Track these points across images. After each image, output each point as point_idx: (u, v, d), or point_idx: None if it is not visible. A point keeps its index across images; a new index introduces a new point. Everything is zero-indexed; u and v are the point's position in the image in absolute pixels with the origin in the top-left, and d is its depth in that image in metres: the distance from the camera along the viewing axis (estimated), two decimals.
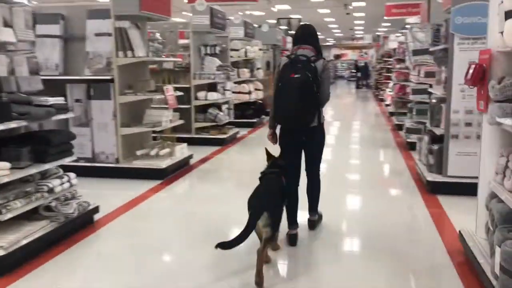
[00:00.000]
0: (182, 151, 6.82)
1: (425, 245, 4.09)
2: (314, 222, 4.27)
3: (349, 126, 12.15)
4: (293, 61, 3.72)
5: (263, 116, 11.93)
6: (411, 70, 9.76)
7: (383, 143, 9.10)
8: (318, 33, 4.08)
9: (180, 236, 4.34)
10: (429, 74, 7.78)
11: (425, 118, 7.88)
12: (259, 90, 11.64)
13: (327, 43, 48.22)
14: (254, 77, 11.41)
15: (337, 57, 49.10)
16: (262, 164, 3.99)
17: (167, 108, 6.45)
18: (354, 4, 21.84)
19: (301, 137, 3.86)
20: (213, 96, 8.70)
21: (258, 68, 11.58)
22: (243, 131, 10.18)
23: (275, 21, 22.67)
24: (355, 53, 50.64)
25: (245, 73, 10.91)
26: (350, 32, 37.98)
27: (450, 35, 5.15)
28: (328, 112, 15.08)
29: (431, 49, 6.28)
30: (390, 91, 15.46)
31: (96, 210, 4.49)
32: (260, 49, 11.60)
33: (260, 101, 11.70)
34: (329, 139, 9.92)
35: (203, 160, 7.47)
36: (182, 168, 6.78)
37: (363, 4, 22.03)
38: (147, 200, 5.34)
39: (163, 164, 6.19)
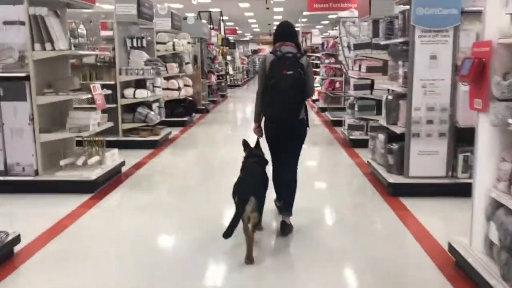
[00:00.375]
0: (113, 158, 5.95)
1: (408, 256, 3.69)
2: (287, 226, 4.08)
3: None
4: (281, 58, 3.81)
5: (194, 114, 11.20)
6: (346, 65, 9.56)
7: (324, 140, 8.78)
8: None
9: (121, 267, 3.57)
10: (372, 69, 7.53)
11: (369, 115, 7.67)
12: (188, 86, 10.87)
13: (245, 38, 47.99)
14: (183, 72, 10.62)
15: (255, 52, 49.07)
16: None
17: (95, 109, 5.57)
18: None
19: (289, 129, 3.98)
20: (142, 94, 7.84)
21: (187, 63, 10.80)
22: (174, 131, 9.40)
23: (194, 15, 21.81)
24: (272, 48, 51.03)
25: (173, 68, 10.10)
26: (268, 28, 37.98)
27: (411, 27, 4.81)
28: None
29: (382, 42, 5.95)
30: (317, 86, 15.36)
31: (16, 240, 3.59)
32: (188, 43, 10.82)
33: (190, 98, 10.94)
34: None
35: (137, 166, 6.63)
36: (114, 177, 5.92)
37: None
38: (78, 220, 4.46)
39: (93, 174, 5.31)
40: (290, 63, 3.76)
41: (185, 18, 12.77)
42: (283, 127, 3.96)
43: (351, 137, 7.80)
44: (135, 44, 8.06)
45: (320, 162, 7.32)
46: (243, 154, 4.17)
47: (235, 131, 10.58)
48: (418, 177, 5.01)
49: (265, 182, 3.93)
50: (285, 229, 4.03)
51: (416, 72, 4.85)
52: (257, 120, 4.15)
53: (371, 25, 7.65)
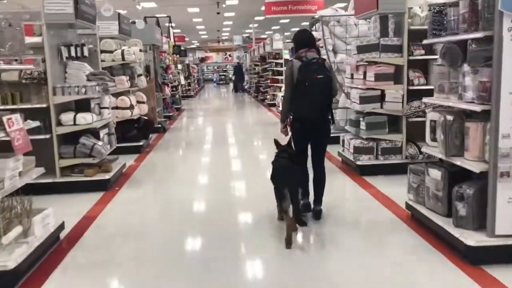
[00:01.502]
0: (45, 222, 3.93)
1: None
2: (321, 212, 4.51)
3: (263, 144, 10.04)
4: (308, 63, 4.11)
5: (151, 136, 9.19)
6: (345, 70, 7.94)
7: None
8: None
9: None
10: (381, 77, 5.92)
11: (380, 134, 6.07)
12: (142, 103, 8.86)
13: (192, 46, 45.89)
14: (135, 86, 8.63)
15: (202, 60, 47.07)
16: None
17: (14, 154, 3.57)
18: (228, 2, 19.84)
19: (317, 128, 4.29)
20: (85, 119, 5.79)
21: (139, 75, 8.80)
22: (129, 160, 7.39)
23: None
24: (220, 55, 49.24)
25: (123, 82, 8.09)
26: (217, 34, 36.15)
27: (497, 15, 3.17)
28: (226, 127, 12.89)
29: (428, 41, 4.28)
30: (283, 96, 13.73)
31: None
32: (140, 50, 8.83)
33: (145, 117, 8.94)
34: (255, 163, 7.68)
35: (81, 228, 4.53)
36: (47, 253, 3.91)
37: (235, 2, 20.18)
38: None
39: (11, 261, 3.29)
40: (318, 68, 4.08)
41: (134, 22, 10.74)
42: (312, 126, 4.23)
43: (358, 162, 6.13)
44: (73, 54, 6.03)
45: (328, 198, 5.55)
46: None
47: (202, 155, 8.71)
48: (508, 235, 3.38)
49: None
50: (318, 215, 4.47)
51: (504, 83, 3.22)
52: (284, 120, 4.41)
53: (378, 22, 6.04)
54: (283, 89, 14.63)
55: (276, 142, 4.50)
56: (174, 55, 18.87)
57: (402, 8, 5.79)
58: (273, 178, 4.25)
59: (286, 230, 3.82)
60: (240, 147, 9.23)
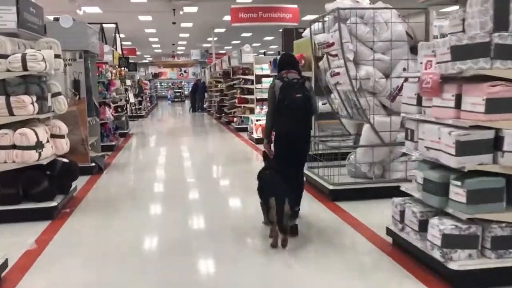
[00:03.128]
0: None
1: None
2: (296, 227, 4.40)
3: (240, 194, 6.95)
4: (289, 83, 4.35)
5: (73, 187, 5.91)
6: (355, 93, 5.14)
7: (372, 263, 4.14)
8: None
9: None
10: (498, 105, 3.08)
11: (493, 210, 3.20)
12: (59, 137, 5.59)
13: (144, 61, 42.34)
14: (47, 112, 5.39)
15: (156, 76, 43.53)
16: None
17: None
18: (186, 9, 16.78)
19: (298, 143, 4.49)
20: None
21: (56, 94, 5.55)
22: (29, 237, 4.18)
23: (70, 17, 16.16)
24: (174, 71, 45.92)
25: (25, 105, 4.86)
26: (172, 48, 32.88)
27: None
28: (185, 163, 9.77)
29: None
30: (258, 120, 10.87)
31: None
32: (58, 56, 5.59)
33: (65, 160, 5.66)
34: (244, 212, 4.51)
35: None
36: None
37: (194, 10, 17.18)
38: None
39: None
40: (298, 87, 4.34)
41: (57, 19, 7.49)
42: (293, 141, 4.44)
43: (453, 265, 3.18)
44: None
45: None
46: None
47: (152, 219, 5.54)
48: None
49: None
50: (294, 232, 4.32)
51: None
52: (268, 137, 4.62)
53: (491, 3, 3.18)
54: (257, 111, 11.69)
55: (265, 154, 4.64)
56: (121, 68, 15.57)
57: None
58: (260, 189, 4.37)
59: (273, 238, 4.05)
60: (208, 206, 5.93)
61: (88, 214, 5.39)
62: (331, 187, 5.54)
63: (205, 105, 22.96)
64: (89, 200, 5.97)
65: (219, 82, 19.20)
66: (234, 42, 28.92)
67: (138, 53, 31.66)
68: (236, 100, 13.52)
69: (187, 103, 34.01)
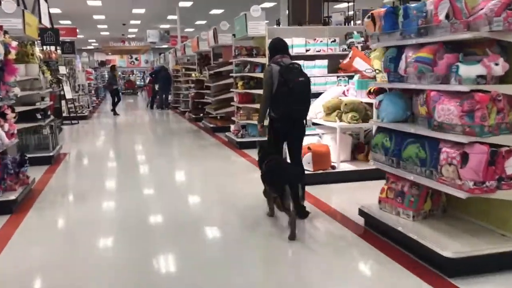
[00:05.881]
0: None
1: None
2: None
3: None
4: (288, 68, 4.14)
5: None
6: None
7: None
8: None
9: None
10: None
11: None
12: None
13: (89, 47, 35.73)
14: None
15: (102, 63, 36.91)
16: None
17: None
18: None
19: (296, 126, 4.29)
20: None
21: None
22: None
23: None
24: (124, 58, 39.54)
25: None
26: (122, 30, 26.75)
27: None
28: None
29: None
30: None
31: None
32: None
33: None
34: None
35: None
36: None
37: None
38: None
39: None
40: (297, 72, 4.14)
41: None
42: (293, 124, 4.26)
43: None
44: None
45: None
46: None
47: None
48: None
49: None
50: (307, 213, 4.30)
51: None
52: (262, 121, 4.46)
53: None
54: None
55: (262, 145, 4.45)
56: (49, 48, 9.91)
57: None
58: (270, 178, 4.13)
59: (290, 227, 3.80)
60: None
61: None
62: None
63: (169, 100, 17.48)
64: None
65: (190, 70, 13.81)
66: (198, 22, 23.37)
67: (80, 36, 25.37)
68: (236, 98, 8.26)
69: (141, 96, 28.00)
